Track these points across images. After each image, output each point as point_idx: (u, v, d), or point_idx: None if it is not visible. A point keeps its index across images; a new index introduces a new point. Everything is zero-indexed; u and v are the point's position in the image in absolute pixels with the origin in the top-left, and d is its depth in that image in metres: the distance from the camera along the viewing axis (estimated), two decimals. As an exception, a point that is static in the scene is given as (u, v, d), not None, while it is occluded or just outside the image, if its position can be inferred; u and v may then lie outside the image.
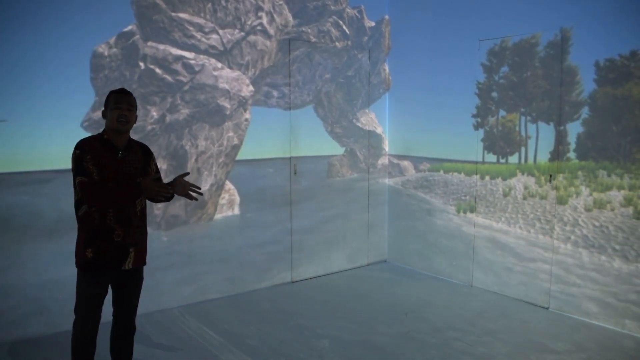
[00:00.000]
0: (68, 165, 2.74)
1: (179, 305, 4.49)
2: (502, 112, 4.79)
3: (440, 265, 5.42)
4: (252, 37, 4.83)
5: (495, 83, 4.81)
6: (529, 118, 4.59)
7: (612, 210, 4.05)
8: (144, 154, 2.92)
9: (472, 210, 5.07)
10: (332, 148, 5.58)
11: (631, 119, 3.92)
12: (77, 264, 2.75)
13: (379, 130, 5.93)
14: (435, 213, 5.45)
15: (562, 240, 4.36)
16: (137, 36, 4.23)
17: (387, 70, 5.93)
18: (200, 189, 2.84)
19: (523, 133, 4.64)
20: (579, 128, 4.24)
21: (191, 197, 2.82)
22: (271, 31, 4.96)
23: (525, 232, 4.63)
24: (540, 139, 4.51)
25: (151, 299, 4.05)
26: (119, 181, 2.70)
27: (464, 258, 5.16)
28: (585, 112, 4.19)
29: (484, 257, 4.98)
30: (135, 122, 2.89)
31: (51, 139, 3.88)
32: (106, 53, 4.10)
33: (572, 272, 4.30)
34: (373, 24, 5.78)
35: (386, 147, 6.00)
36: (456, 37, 5.10)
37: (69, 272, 3.11)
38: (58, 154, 3.83)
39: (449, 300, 4.69)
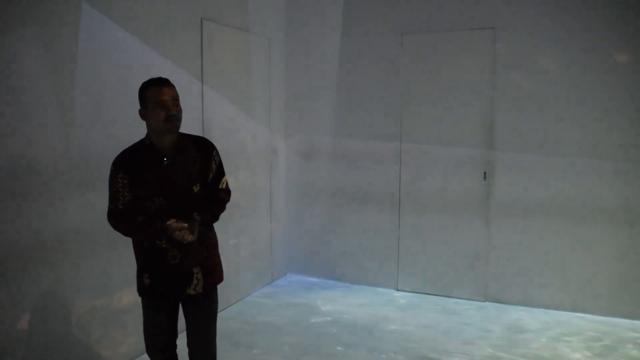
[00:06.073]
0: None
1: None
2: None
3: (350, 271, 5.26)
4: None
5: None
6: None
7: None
8: (202, 151, 2.44)
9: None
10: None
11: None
12: (137, 291, 2.47)
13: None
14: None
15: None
16: None
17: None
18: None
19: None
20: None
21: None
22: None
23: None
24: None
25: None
26: (168, 193, 2.31)
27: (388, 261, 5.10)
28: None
29: (413, 258, 4.99)
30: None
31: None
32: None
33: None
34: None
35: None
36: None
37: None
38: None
39: (388, 309, 4.55)
